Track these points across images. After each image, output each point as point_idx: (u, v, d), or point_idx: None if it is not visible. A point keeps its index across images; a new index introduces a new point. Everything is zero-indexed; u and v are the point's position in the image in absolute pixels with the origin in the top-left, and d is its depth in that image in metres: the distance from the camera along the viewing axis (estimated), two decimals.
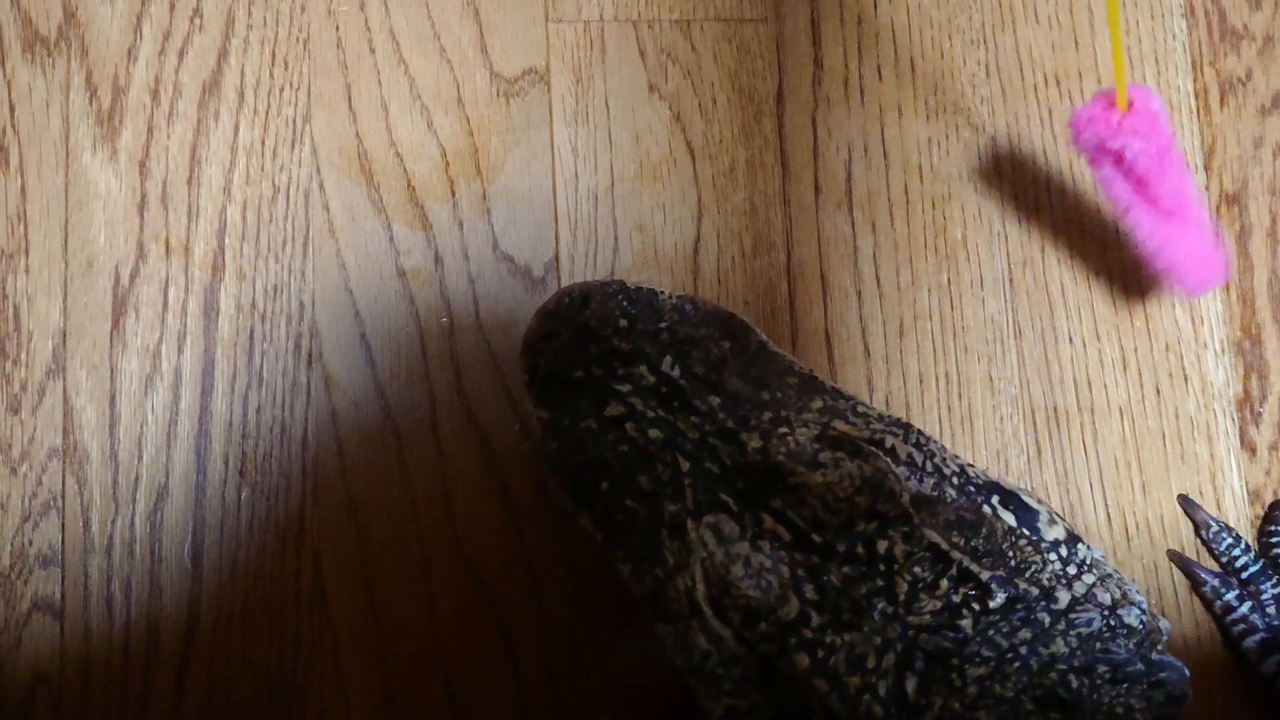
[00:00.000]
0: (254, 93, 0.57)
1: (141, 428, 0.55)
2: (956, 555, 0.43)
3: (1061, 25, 0.60)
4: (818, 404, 0.47)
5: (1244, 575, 0.54)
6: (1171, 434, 0.57)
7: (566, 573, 0.54)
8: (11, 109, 0.56)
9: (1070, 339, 0.58)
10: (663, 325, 0.48)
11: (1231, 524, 0.56)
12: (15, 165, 0.56)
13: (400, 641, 0.53)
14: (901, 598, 0.43)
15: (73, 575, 0.53)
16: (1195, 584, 0.55)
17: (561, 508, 0.54)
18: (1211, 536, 0.55)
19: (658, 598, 0.45)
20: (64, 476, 0.54)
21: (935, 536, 0.43)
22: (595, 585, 0.54)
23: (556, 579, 0.54)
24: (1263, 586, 0.54)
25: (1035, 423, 0.57)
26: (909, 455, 0.46)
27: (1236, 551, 0.55)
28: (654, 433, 0.45)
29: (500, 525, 0.55)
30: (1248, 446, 0.57)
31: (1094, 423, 0.57)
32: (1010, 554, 0.44)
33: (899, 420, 0.48)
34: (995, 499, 0.47)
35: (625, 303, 0.48)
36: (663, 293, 0.49)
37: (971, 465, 0.49)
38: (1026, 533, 0.46)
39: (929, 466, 0.47)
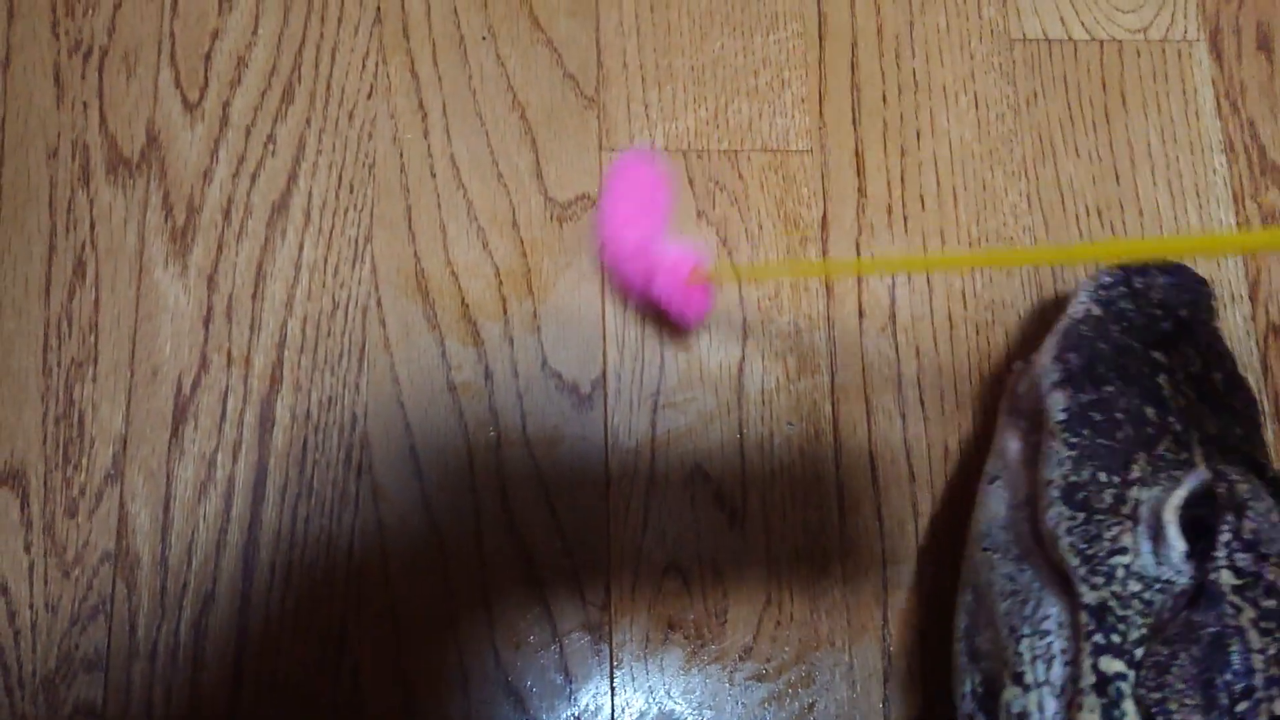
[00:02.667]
0: (320, 213, 0.60)
1: (193, 534, 0.56)
2: None
3: (1101, 160, 0.62)
4: None
5: None
6: None
7: (605, 691, 0.54)
8: (92, 226, 0.59)
9: None
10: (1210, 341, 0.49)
11: None
12: (91, 279, 0.59)
13: None
14: None
15: (116, 680, 0.54)
16: None
17: (598, 626, 0.54)
18: None
19: (1084, 495, 0.44)
20: (114, 581, 0.55)
21: None
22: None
23: (594, 695, 0.54)
24: None
25: None
26: None
27: None
28: (1181, 402, 0.45)
29: (540, 642, 0.54)
30: None
31: None
32: None
33: None
34: None
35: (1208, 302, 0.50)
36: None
37: None
38: None
39: None
